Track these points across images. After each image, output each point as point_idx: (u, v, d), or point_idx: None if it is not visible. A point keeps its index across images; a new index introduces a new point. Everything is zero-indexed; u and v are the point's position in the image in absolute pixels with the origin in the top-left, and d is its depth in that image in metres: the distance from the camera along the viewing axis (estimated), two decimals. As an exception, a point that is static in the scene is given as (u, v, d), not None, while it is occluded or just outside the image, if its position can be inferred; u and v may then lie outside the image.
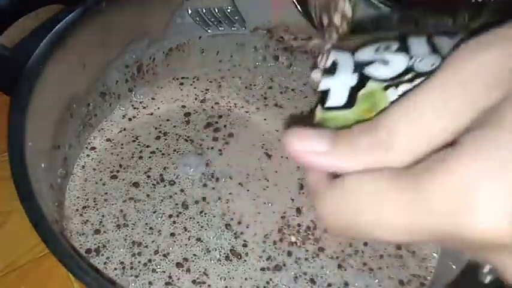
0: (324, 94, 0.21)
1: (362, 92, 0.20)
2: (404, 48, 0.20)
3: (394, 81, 0.19)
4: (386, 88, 0.20)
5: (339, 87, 0.21)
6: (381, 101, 0.19)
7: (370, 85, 0.20)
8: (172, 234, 0.39)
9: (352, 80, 0.20)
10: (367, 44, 0.21)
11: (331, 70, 0.21)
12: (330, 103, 0.20)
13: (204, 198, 0.41)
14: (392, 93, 0.19)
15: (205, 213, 0.40)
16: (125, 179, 0.42)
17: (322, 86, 0.21)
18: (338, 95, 0.20)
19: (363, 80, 0.20)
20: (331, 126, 0.20)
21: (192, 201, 0.41)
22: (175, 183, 0.42)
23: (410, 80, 0.19)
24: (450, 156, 0.16)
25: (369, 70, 0.20)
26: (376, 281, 0.38)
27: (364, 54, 0.21)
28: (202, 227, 0.39)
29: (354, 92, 0.20)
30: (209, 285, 0.37)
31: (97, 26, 0.40)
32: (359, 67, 0.20)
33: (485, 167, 0.15)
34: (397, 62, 0.20)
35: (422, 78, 0.19)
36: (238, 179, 0.42)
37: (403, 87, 0.19)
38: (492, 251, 0.16)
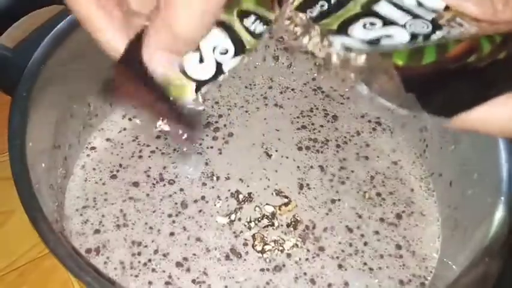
0: None
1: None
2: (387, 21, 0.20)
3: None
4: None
5: None
6: None
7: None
8: (172, 234, 0.39)
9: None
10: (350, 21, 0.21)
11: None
12: None
13: (203, 197, 0.41)
14: None
15: (204, 213, 0.40)
16: (125, 178, 0.42)
17: None
18: None
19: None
20: None
21: (191, 201, 0.41)
22: (174, 182, 0.42)
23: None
24: None
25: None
26: (376, 281, 0.38)
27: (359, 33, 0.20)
28: (201, 226, 0.39)
29: None
30: (209, 285, 0.37)
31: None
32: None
33: None
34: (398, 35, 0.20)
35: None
36: (238, 178, 0.42)
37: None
38: None
